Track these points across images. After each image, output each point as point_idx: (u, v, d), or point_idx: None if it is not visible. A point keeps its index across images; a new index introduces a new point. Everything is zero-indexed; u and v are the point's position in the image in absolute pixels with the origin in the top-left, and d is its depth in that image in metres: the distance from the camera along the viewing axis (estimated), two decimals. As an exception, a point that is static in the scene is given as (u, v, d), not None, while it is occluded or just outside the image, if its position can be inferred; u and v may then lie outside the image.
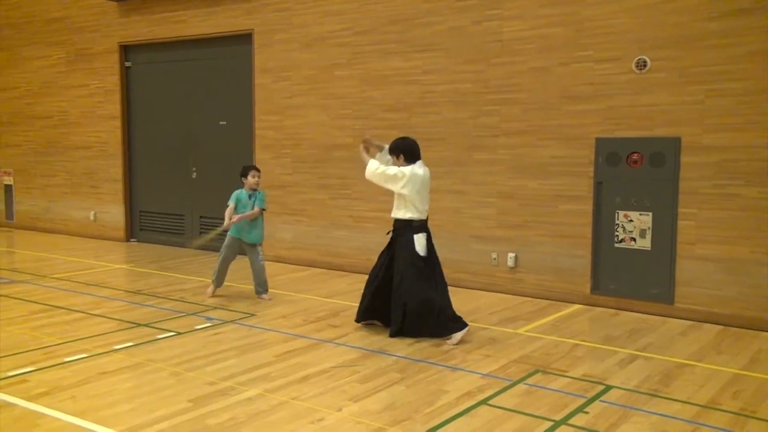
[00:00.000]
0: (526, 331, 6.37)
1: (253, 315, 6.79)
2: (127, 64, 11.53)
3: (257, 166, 9.82)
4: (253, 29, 9.82)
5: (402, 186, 5.97)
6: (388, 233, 6.28)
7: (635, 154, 7.10)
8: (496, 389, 4.80)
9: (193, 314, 6.78)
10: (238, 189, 7.44)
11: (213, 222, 10.20)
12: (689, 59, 6.77)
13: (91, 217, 12.06)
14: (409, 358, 5.48)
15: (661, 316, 6.99)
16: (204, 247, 7.29)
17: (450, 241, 8.01)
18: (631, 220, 7.19)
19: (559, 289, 7.62)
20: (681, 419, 4.34)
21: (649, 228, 7.08)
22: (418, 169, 6.01)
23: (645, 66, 6.98)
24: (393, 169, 6.00)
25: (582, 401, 4.60)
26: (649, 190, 7.05)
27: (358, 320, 6.38)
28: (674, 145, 6.87)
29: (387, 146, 6.25)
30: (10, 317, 6.56)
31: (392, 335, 6.04)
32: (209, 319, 6.61)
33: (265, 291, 7.47)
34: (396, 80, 8.60)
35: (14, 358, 5.32)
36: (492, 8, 7.83)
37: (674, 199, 6.91)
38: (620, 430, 4.16)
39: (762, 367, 5.45)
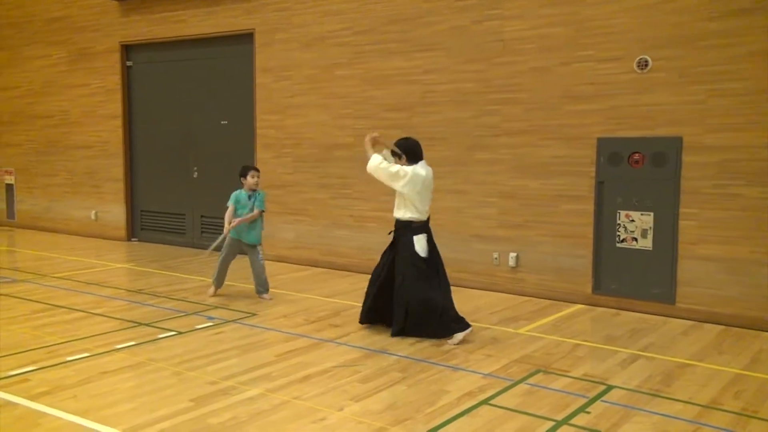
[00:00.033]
0: (528, 331, 6.37)
1: (254, 314, 6.79)
2: (128, 63, 11.53)
3: (257, 165, 9.87)
4: (253, 29, 9.82)
5: (403, 185, 5.97)
6: (390, 233, 6.28)
7: (637, 154, 7.10)
8: (498, 389, 4.80)
9: (194, 314, 6.78)
10: (237, 189, 7.42)
11: (214, 221, 10.22)
12: (690, 59, 6.77)
13: (92, 217, 12.06)
14: (410, 358, 5.48)
15: (663, 316, 6.99)
16: (218, 248, 7.32)
17: (451, 241, 8.00)
18: (632, 220, 7.19)
19: (561, 288, 7.62)
20: (683, 419, 4.34)
21: (650, 228, 7.08)
22: (420, 169, 6.01)
23: (646, 66, 6.97)
24: (395, 167, 6.00)
25: (583, 401, 4.60)
26: (650, 189, 7.05)
27: (362, 321, 6.37)
28: (676, 144, 6.87)
29: (391, 148, 6.20)
30: (11, 316, 6.56)
31: (394, 335, 6.04)
32: (210, 318, 6.61)
33: (266, 291, 7.47)
34: (397, 80, 8.60)
35: (16, 357, 5.33)
36: (492, 8, 7.83)
37: (676, 199, 6.91)
38: (622, 430, 4.15)
39: (763, 367, 5.45)
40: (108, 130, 11.72)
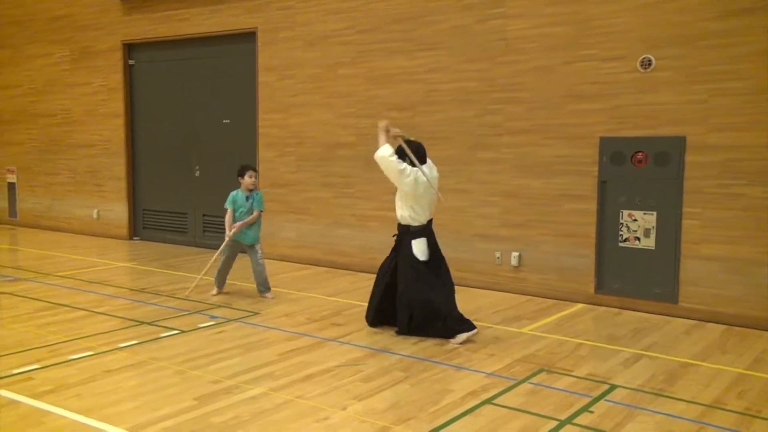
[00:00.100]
0: (530, 331, 6.37)
1: (256, 313, 6.79)
2: (131, 62, 11.53)
3: (260, 164, 9.88)
4: (256, 27, 9.81)
5: (405, 183, 5.98)
6: (393, 236, 6.29)
7: (640, 154, 7.09)
8: (501, 388, 4.80)
9: (196, 312, 6.79)
10: (234, 190, 7.39)
11: (216, 220, 10.20)
12: (693, 58, 6.76)
13: (95, 215, 12.07)
14: (413, 357, 5.48)
15: (665, 315, 6.98)
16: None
17: (454, 240, 8.00)
18: (635, 220, 7.18)
19: (563, 288, 7.61)
20: (686, 419, 4.34)
21: (653, 227, 7.07)
22: (421, 174, 6.01)
23: (650, 65, 6.97)
24: (402, 165, 5.99)
25: (587, 400, 4.60)
26: (653, 189, 7.04)
27: (370, 323, 6.35)
28: (679, 144, 6.86)
29: (402, 144, 6.13)
30: (14, 315, 6.57)
31: (398, 333, 6.06)
32: (213, 317, 6.61)
33: (268, 290, 7.46)
34: (400, 79, 8.59)
35: (19, 355, 5.33)
36: (495, 7, 7.82)
37: (679, 198, 6.90)
38: (625, 429, 4.15)
39: (767, 367, 5.45)
40: (110, 128, 11.72)
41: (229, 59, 10.41)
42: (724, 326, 6.64)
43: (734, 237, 6.67)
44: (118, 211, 11.80)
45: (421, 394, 4.67)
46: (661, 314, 7.01)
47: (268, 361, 5.30)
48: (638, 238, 7.17)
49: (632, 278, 7.21)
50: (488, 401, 4.55)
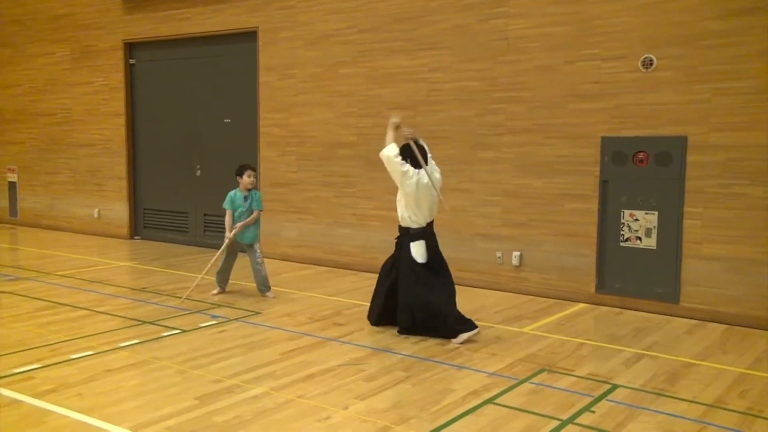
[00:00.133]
0: (532, 330, 6.37)
1: (257, 313, 6.79)
2: (132, 61, 11.53)
3: (261, 164, 9.88)
4: (257, 27, 9.81)
5: (407, 185, 5.99)
6: (396, 238, 6.31)
7: (641, 153, 7.08)
8: (502, 388, 4.79)
9: (197, 312, 6.78)
10: (232, 189, 7.39)
11: (217, 219, 10.19)
12: (696, 58, 6.75)
13: (95, 215, 12.07)
14: (414, 357, 5.48)
15: (666, 315, 6.98)
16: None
17: (455, 240, 7.99)
18: (636, 219, 7.17)
19: (564, 287, 7.61)
20: (688, 419, 4.34)
21: (654, 227, 7.07)
22: (423, 176, 6.03)
23: (651, 65, 6.96)
24: (406, 166, 6.00)
25: (588, 400, 4.60)
26: (654, 189, 7.04)
27: (374, 322, 6.36)
28: (680, 144, 6.85)
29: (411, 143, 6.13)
30: (15, 314, 6.57)
31: (400, 333, 6.07)
32: (214, 316, 6.61)
33: (268, 289, 7.46)
34: (402, 78, 8.59)
35: (20, 355, 5.33)
36: (497, 6, 7.82)
37: (680, 198, 6.90)
38: (627, 429, 4.15)
39: (768, 367, 5.45)
40: (111, 128, 11.72)
41: (230, 59, 10.41)
42: (726, 326, 6.64)
43: (735, 237, 6.66)
44: (118, 211, 11.80)
45: (423, 394, 4.67)
46: (663, 314, 7.00)
47: (269, 361, 5.30)
48: (639, 238, 7.17)
49: (633, 278, 7.21)
50: (490, 401, 4.55)
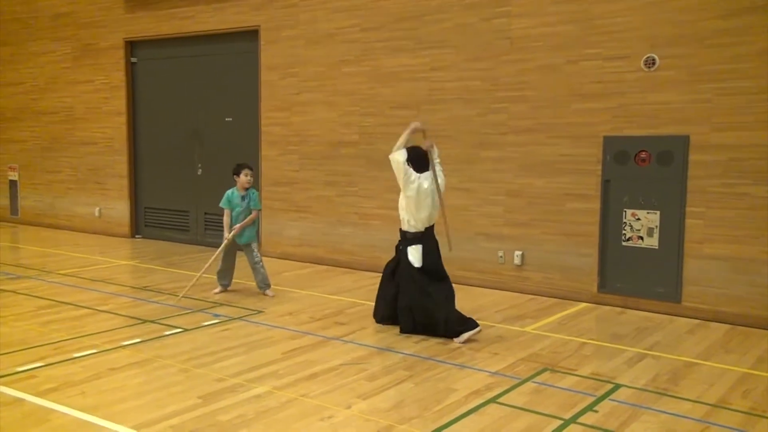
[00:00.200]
0: (534, 330, 6.36)
1: (259, 312, 6.79)
2: (133, 60, 11.52)
3: (263, 163, 9.88)
4: (259, 25, 9.80)
5: (410, 189, 6.05)
6: (397, 244, 6.36)
7: (643, 153, 7.08)
8: (505, 387, 4.79)
9: (199, 311, 6.78)
10: (229, 189, 7.39)
11: (218, 218, 10.14)
12: (698, 57, 6.75)
13: (96, 213, 12.06)
14: (416, 356, 5.48)
15: (668, 314, 6.98)
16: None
17: (457, 239, 7.94)
18: (638, 219, 7.17)
19: (566, 287, 7.61)
20: (691, 418, 4.33)
21: (656, 226, 7.07)
22: (424, 181, 6.06)
23: (654, 64, 6.96)
24: (411, 171, 6.04)
25: (591, 399, 4.60)
26: (657, 188, 7.03)
27: (379, 320, 6.40)
28: (683, 143, 6.85)
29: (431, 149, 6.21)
30: (18, 313, 6.57)
31: (402, 332, 6.09)
32: (216, 315, 6.61)
33: (268, 287, 7.47)
34: (404, 77, 8.58)
35: (23, 353, 5.33)
36: (501, 5, 7.81)
37: (682, 197, 6.89)
38: (630, 429, 4.15)
39: (771, 367, 5.45)
40: (112, 126, 11.71)
41: (231, 57, 10.40)
42: (728, 326, 6.64)
43: (738, 236, 6.66)
44: (120, 209, 11.80)
45: (425, 393, 4.67)
46: (665, 313, 7.00)
47: (272, 360, 5.30)
48: (641, 238, 7.16)
49: (635, 277, 7.20)
50: (492, 400, 4.55)
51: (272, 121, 9.84)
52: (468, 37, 8.07)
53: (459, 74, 8.16)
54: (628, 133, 7.15)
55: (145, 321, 6.35)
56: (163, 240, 11.36)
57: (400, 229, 6.25)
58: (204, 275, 7.45)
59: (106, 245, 10.92)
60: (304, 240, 9.64)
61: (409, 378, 4.97)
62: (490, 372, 5.12)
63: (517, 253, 7.87)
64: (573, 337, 6.13)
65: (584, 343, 5.95)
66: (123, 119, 11.57)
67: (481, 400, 4.54)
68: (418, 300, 6.01)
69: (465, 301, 7.03)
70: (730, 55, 6.60)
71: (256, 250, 7.43)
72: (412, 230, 6.13)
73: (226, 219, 7.35)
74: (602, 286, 7.41)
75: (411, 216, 6.10)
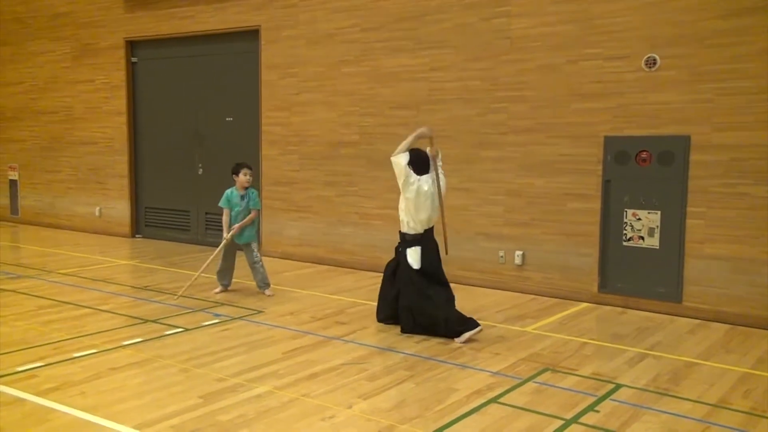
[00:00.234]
0: (534, 330, 6.36)
1: (260, 311, 6.78)
2: (133, 59, 11.52)
3: (263, 163, 9.88)
4: (260, 25, 9.80)
5: (409, 191, 6.06)
6: (397, 245, 6.38)
7: (644, 153, 7.08)
8: (506, 387, 4.79)
9: (200, 310, 6.78)
10: (228, 188, 7.38)
11: (219, 218, 10.14)
12: (699, 57, 6.75)
13: (97, 213, 12.06)
14: (417, 356, 5.48)
15: (669, 314, 6.97)
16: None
17: (457, 239, 7.97)
18: (639, 219, 7.17)
19: (567, 287, 7.61)
20: (692, 418, 4.33)
21: (657, 226, 7.06)
22: (424, 183, 6.07)
23: (655, 64, 6.95)
24: (411, 173, 6.05)
25: (592, 399, 4.60)
26: (657, 188, 7.03)
27: (382, 320, 6.41)
28: (683, 143, 6.85)
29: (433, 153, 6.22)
30: (18, 312, 6.56)
31: (403, 332, 6.09)
32: (217, 315, 6.60)
33: (267, 286, 7.47)
34: (404, 77, 8.58)
35: (23, 353, 5.32)
36: (500, 5, 7.81)
37: (683, 197, 6.89)
38: (632, 429, 4.15)
39: (771, 367, 5.45)
40: (112, 126, 11.71)
41: (232, 57, 10.40)
42: (728, 326, 6.63)
43: (738, 236, 6.66)
44: (120, 209, 11.79)
45: (427, 393, 4.67)
46: (665, 313, 7.00)
47: (272, 360, 5.30)
48: (642, 238, 7.16)
49: (636, 277, 7.20)
50: (493, 400, 4.55)
51: (272, 121, 9.84)
52: (468, 37, 8.07)
53: (459, 74, 8.15)
54: (629, 133, 7.15)
55: (145, 321, 6.35)
56: (164, 240, 11.35)
57: (400, 231, 6.26)
58: (203, 275, 7.45)
59: (107, 245, 10.91)
60: (305, 240, 9.64)
61: (410, 378, 4.96)
62: (491, 372, 5.12)
63: (518, 253, 7.87)
64: (574, 337, 6.13)
65: (585, 343, 5.95)
66: (123, 119, 11.56)
67: (482, 400, 4.53)
68: (417, 302, 6.03)
69: (466, 301, 7.03)
70: (731, 55, 6.60)
71: (255, 249, 7.43)
72: (412, 232, 6.15)
73: (225, 218, 7.35)
74: (603, 286, 7.41)
75: (410, 218, 6.12)
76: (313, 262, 9.48)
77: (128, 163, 11.63)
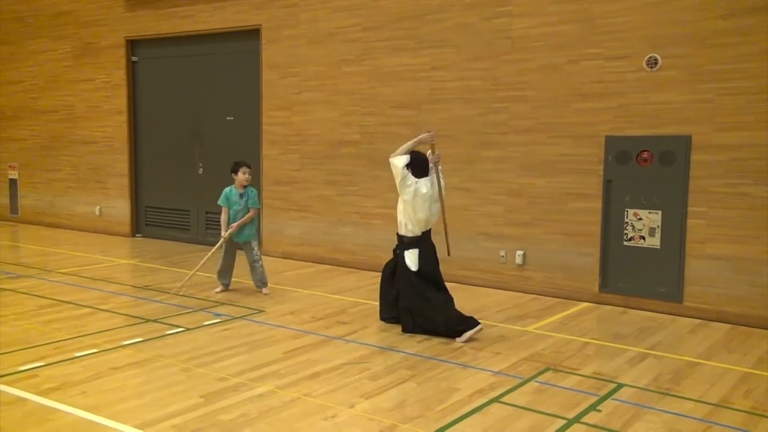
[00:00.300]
0: (535, 329, 6.36)
1: (261, 311, 6.78)
2: (134, 58, 11.51)
3: (264, 162, 9.87)
4: (260, 24, 9.79)
5: (406, 193, 6.07)
6: (395, 248, 6.40)
7: (645, 153, 7.08)
8: (508, 387, 4.79)
9: (201, 310, 6.77)
10: (227, 186, 7.38)
11: (219, 218, 10.17)
12: (700, 57, 6.75)
13: (97, 212, 12.05)
14: (419, 356, 5.47)
15: (670, 314, 6.98)
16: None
17: (458, 239, 7.96)
18: (640, 219, 7.17)
19: (567, 287, 7.61)
20: (693, 418, 4.33)
21: (658, 226, 7.06)
22: (422, 186, 6.07)
23: (656, 64, 6.95)
24: (409, 175, 6.06)
25: (594, 399, 4.59)
26: (658, 188, 7.03)
27: (386, 319, 6.42)
28: (684, 143, 6.85)
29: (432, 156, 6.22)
30: (19, 312, 6.55)
31: (404, 332, 6.10)
32: (218, 315, 6.60)
33: (264, 285, 7.47)
34: (405, 77, 8.57)
35: (23, 352, 5.32)
36: (501, 5, 7.80)
37: (684, 197, 6.89)
38: (634, 428, 4.14)
39: (773, 367, 5.45)
40: (113, 125, 11.70)
41: (232, 56, 10.39)
42: (729, 325, 6.64)
43: (739, 236, 6.66)
44: (120, 208, 11.79)
45: (428, 393, 4.66)
46: (666, 313, 7.00)
47: (274, 359, 5.29)
48: (643, 237, 7.16)
49: (637, 277, 7.20)
50: (495, 400, 4.55)
51: (273, 121, 9.83)
52: (469, 36, 8.06)
53: (460, 74, 8.15)
54: (630, 133, 7.15)
55: (146, 320, 6.35)
56: (164, 239, 11.35)
57: (397, 233, 6.27)
58: (200, 273, 7.43)
59: (107, 244, 10.91)
60: (305, 239, 9.64)
61: (411, 377, 4.96)
62: (492, 371, 5.12)
63: (519, 252, 7.87)
64: (575, 337, 6.13)
65: (586, 343, 5.95)
66: (124, 118, 11.55)
67: (484, 400, 4.53)
68: (416, 303, 6.05)
69: (466, 300, 7.04)
70: (732, 55, 6.59)
71: (256, 248, 7.43)
72: (410, 234, 6.16)
73: (223, 217, 7.36)
74: (604, 286, 7.41)
75: (409, 220, 6.12)
76: (313, 262, 9.48)
77: (128, 162, 11.62)
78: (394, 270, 6.32)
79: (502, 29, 7.83)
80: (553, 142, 7.59)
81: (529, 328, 6.38)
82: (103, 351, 5.40)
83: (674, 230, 6.96)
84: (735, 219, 6.67)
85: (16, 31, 12.89)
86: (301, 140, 9.57)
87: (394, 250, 6.38)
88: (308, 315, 6.69)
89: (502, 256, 7.99)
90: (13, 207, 13.33)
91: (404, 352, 5.54)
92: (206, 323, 6.29)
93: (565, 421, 4.20)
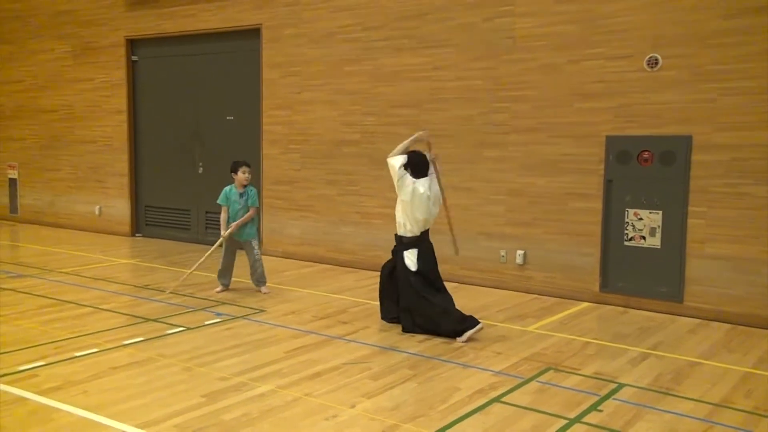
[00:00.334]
0: (536, 329, 6.36)
1: (262, 311, 6.78)
2: (134, 58, 11.50)
3: (264, 162, 9.87)
4: (261, 24, 9.79)
5: (404, 193, 6.08)
6: (393, 248, 6.40)
7: (646, 152, 7.08)
8: (509, 387, 4.79)
9: (202, 310, 6.77)
10: (227, 186, 7.39)
11: (219, 217, 10.17)
12: (701, 57, 6.75)
13: (96, 212, 12.04)
14: (420, 355, 5.47)
15: (671, 314, 6.98)
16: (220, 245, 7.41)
17: (459, 238, 7.96)
18: (640, 219, 7.17)
19: (568, 286, 7.61)
20: (694, 418, 4.34)
21: (658, 226, 7.07)
22: (420, 186, 6.07)
23: (657, 64, 6.95)
24: (406, 176, 6.07)
25: (595, 399, 4.60)
26: (659, 188, 7.03)
27: (387, 319, 6.43)
28: (685, 143, 6.85)
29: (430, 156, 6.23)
30: (20, 311, 6.55)
31: (404, 332, 6.10)
32: (219, 314, 6.60)
33: (263, 284, 7.47)
34: (406, 76, 8.57)
35: (24, 352, 5.32)
36: (503, 5, 7.80)
37: (684, 197, 6.89)
38: (635, 428, 4.15)
39: (774, 367, 5.45)
40: (113, 125, 11.70)
41: (233, 56, 10.39)
42: (730, 325, 6.64)
43: (740, 236, 6.66)
44: (120, 208, 11.78)
45: (430, 392, 4.67)
46: (667, 313, 7.01)
47: (275, 359, 5.29)
48: (644, 237, 7.17)
49: (637, 277, 7.20)
50: (496, 399, 4.55)
51: (274, 120, 9.83)
52: (470, 36, 8.06)
53: (461, 73, 8.15)
54: (631, 133, 7.15)
55: (146, 320, 6.34)
56: (164, 239, 11.34)
57: (396, 234, 6.27)
58: (200, 273, 7.43)
59: (107, 244, 10.90)
60: (306, 239, 9.63)
61: (413, 377, 4.96)
62: (493, 371, 5.12)
63: (519, 252, 7.87)
64: (576, 337, 6.13)
65: (587, 343, 5.95)
66: (123, 117, 11.55)
67: (485, 400, 4.53)
68: (416, 303, 6.05)
69: (467, 300, 7.04)
70: (733, 55, 6.60)
71: (256, 247, 7.43)
72: (408, 234, 6.17)
73: (222, 216, 7.36)
74: (604, 286, 7.41)
75: (407, 220, 6.12)
76: (314, 261, 9.47)
77: (128, 161, 11.61)
78: (392, 271, 6.31)
79: (503, 29, 7.83)
80: (554, 141, 7.59)
81: (530, 328, 6.39)
82: (103, 350, 5.40)
83: (675, 230, 6.96)
84: (735, 219, 6.67)
85: (15, 31, 12.88)
86: (301, 140, 9.57)
87: (393, 251, 6.38)
88: (309, 315, 6.69)
89: (503, 256, 7.99)
90: (13, 206, 13.32)
91: (405, 352, 5.54)
92: (207, 323, 6.29)
93: (566, 421, 4.20)
